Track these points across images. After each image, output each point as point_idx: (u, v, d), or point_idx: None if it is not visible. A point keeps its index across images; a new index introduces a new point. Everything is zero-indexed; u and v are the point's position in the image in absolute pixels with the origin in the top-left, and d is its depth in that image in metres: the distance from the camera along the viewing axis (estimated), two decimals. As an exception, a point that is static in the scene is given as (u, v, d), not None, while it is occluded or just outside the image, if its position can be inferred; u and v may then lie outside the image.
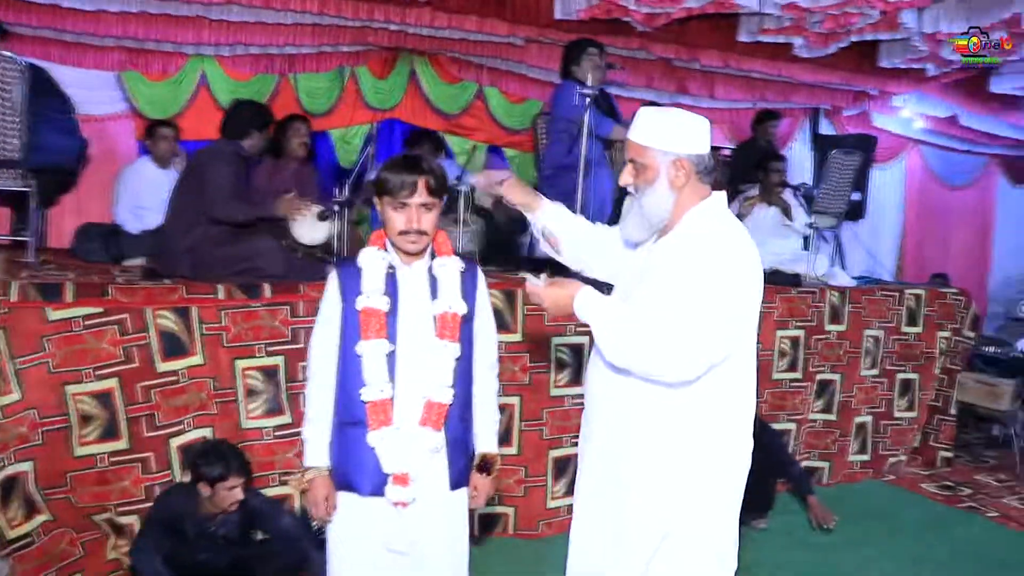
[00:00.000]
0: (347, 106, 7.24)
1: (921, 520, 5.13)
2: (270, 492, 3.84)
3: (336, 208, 4.42)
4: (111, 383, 3.57)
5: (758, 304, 2.32)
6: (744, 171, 6.71)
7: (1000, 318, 10.06)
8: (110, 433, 3.58)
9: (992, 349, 7.07)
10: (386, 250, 2.62)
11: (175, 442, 3.72)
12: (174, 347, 3.71)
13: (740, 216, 5.70)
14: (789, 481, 4.97)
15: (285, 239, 4.40)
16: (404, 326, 2.57)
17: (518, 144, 7.90)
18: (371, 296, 2.55)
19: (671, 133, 2.32)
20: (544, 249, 2.79)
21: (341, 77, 7.19)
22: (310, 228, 4.43)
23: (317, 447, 2.62)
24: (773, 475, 4.78)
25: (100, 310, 3.57)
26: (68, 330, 3.49)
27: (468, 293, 2.66)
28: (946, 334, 6.13)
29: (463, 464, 2.66)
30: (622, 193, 5.35)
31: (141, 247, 5.19)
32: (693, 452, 2.32)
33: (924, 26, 6.04)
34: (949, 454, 6.24)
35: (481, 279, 2.75)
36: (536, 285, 2.34)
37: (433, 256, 2.65)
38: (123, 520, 3.62)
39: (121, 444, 3.60)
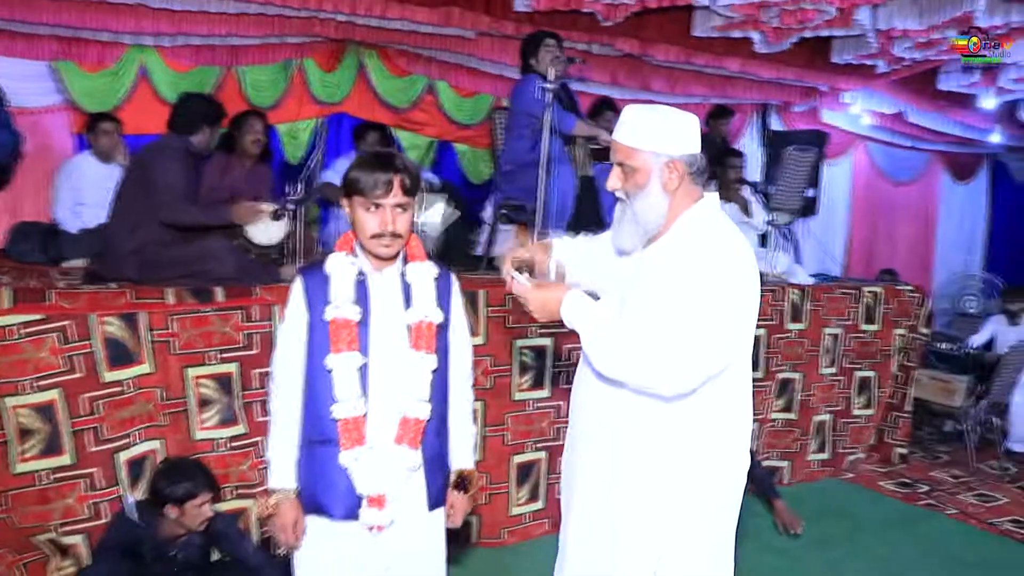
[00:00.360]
0: (294, 100, 6.98)
1: (884, 519, 5.13)
2: (225, 506, 3.64)
3: (291, 207, 4.24)
4: (53, 394, 3.34)
5: (756, 311, 2.21)
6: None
7: (947, 314, 10.20)
8: (52, 448, 3.35)
9: (945, 345, 7.13)
10: (355, 255, 2.46)
11: (122, 456, 3.50)
12: (120, 355, 3.48)
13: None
14: (753, 483, 4.90)
15: (237, 239, 4.21)
16: (376, 337, 2.40)
17: (470, 139, 7.73)
18: (341, 305, 2.38)
19: (662, 133, 2.18)
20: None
21: (287, 70, 6.93)
22: (264, 228, 4.26)
23: (283, 468, 2.44)
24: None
25: (40, 317, 3.33)
26: (4, 339, 3.25)
27: (443, 300, 2.50)
28: (902, 331, 6.14)
29: (441, 483, 2.52)
30: (583, 190, 5.32)
31: (82, 247, 4.94)
32: (688, 468, 2.21)
33: (878, 23, 6.05)
34: (904, 450, 6.27)
35: (455, 285, 2.60)
36: (523, 285, 2.20)
37: (405, 261, 2.49)
38: (67, 540, 3.39)
39: (64, 459, 3.37)
